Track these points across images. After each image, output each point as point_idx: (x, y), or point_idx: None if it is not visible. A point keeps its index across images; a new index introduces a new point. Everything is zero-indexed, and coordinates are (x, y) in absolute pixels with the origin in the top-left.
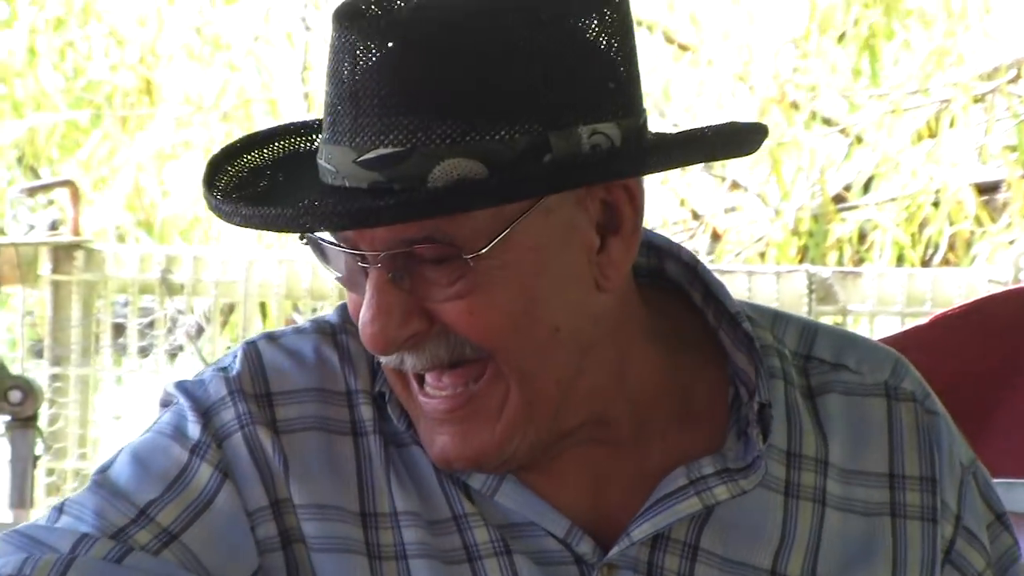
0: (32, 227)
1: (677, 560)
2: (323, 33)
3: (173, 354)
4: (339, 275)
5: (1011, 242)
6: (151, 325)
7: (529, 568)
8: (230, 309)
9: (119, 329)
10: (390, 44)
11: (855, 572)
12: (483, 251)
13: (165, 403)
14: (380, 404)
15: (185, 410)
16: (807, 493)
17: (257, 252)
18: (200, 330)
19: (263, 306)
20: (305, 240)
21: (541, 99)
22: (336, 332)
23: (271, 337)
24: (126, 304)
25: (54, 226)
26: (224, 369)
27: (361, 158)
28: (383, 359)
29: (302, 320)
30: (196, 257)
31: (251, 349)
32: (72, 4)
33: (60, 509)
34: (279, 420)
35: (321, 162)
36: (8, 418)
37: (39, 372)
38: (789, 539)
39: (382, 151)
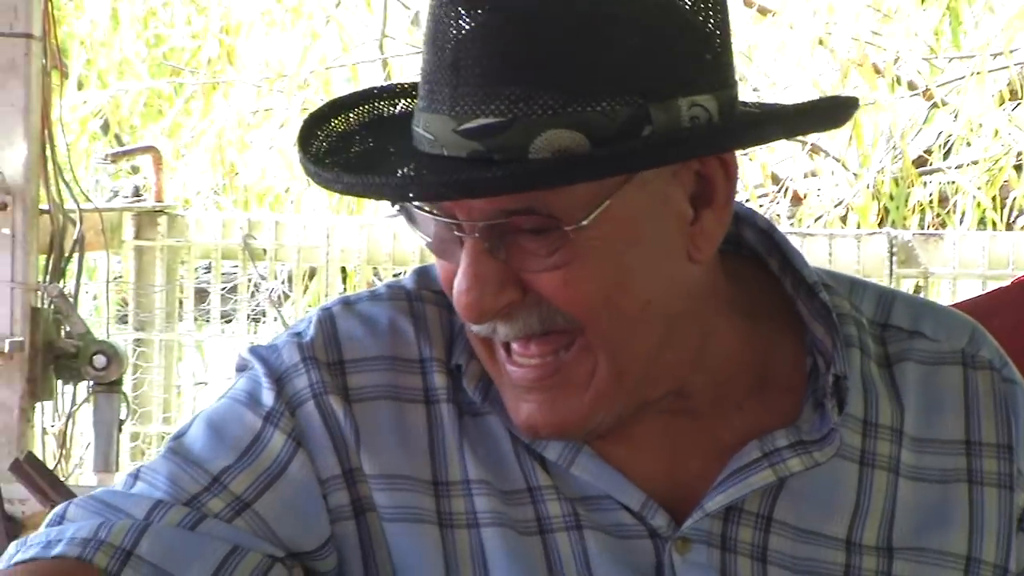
0: (115, 193)
1: (751, 532)
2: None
3: (256, 319)
4: (429, 242)
5: None
6: (233, 290)
7: (600, 543)
8: (311, 274)
9: (202, 295)
10: (490, 13)
11: (931, 538)
12: (584, 223)
13: (241, 368)
14: (456, 375)
15: (259, 376)
16: (882, 462)
17: (338, 217)
18: (283, 295)
19: (343, 271)
20: (398, 208)
21: (641, 70)
22: (412, 299)
23: (347, 303)
24: (208, 269)
25: (137, 192)
26: (298, 335)
27: (461, 127)
28: (474, 328)
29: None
30: (278, 222)
31: (325, 316)
32: None
33: (135, 476)
34: (351, 388)
35: (418, 129)
36: (93, 383)
37: (123, 337)
38: (864, 508)
39: (483, 121)
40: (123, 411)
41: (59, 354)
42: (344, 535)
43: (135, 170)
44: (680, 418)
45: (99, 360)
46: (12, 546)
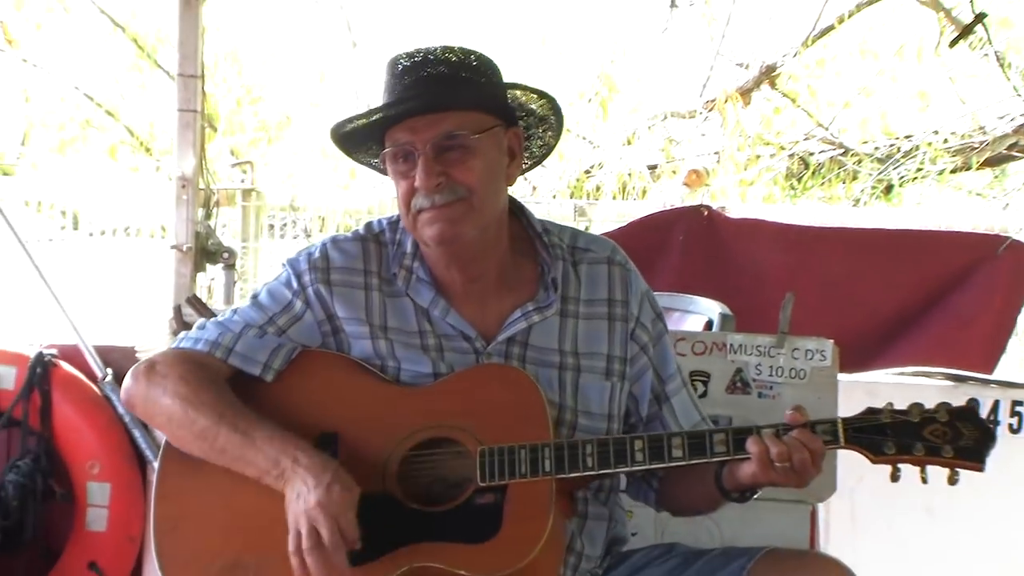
0: (232, 180)
1: (517, 348)
2: None
3: (295, 237)
4: (399, 172)
5: None
6: (284, 226)
7: (450, 356)
8: (323, 220)
9: (271, 228)
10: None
11: (592, 346)
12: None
13: (284, 265)
14: (385, 276)
15: (290, 274)
16: (572, 312)
17: (334, 191)
18: (308, 231)
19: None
20: (382, 156)
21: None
22: (363, 240)
23: (334, 240)
24: (273, 216)
25: (243, 181)
26: (310, 254)
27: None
28: (419, 201)
29: (359, 227)
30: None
31: (324, 244)
32: None
33: (235, 311)
34: (332, 281)
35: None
36: (222, 265)
37: (236, 244)
38: (564, 334)
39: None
40: (235, 279)
41: (207, 252)
42: (327, 344)
43: (244, 171)
44: (488, 293)
45: (225, 255)
46: (181, 335)
